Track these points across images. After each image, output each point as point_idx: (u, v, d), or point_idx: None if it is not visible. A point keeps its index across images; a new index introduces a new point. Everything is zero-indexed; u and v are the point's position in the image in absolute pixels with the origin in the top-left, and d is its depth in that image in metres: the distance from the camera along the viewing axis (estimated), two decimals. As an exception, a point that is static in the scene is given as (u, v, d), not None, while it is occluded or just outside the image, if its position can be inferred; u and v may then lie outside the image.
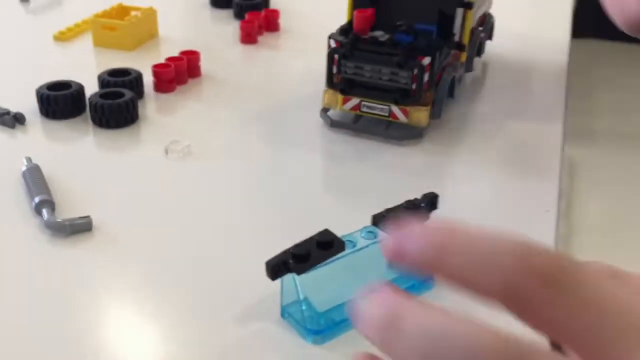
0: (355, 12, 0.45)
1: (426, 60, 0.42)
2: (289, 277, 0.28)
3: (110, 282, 0.32)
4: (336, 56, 0.44)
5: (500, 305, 0.16)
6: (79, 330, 0.28)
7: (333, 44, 0.44)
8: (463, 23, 0.47)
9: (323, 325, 0.28)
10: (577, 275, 0.17)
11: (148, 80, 0.50)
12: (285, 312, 0.29)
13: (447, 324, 0.16)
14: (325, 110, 0.47)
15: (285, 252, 0.28)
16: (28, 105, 0.47)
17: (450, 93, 0.47)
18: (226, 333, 0.29)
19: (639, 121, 1.58)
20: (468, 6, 0.46)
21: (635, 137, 1.51)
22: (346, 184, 0.39)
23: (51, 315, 0.29)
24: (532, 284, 0.16)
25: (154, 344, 0.27)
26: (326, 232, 0.29)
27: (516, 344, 0.16)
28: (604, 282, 0.17)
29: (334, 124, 0.46)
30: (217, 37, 0.62)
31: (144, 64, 0.51)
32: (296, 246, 0.28)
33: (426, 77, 0.43)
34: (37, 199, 0.35)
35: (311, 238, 0.29)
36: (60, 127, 0.45)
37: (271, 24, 0.63)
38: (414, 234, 0.17)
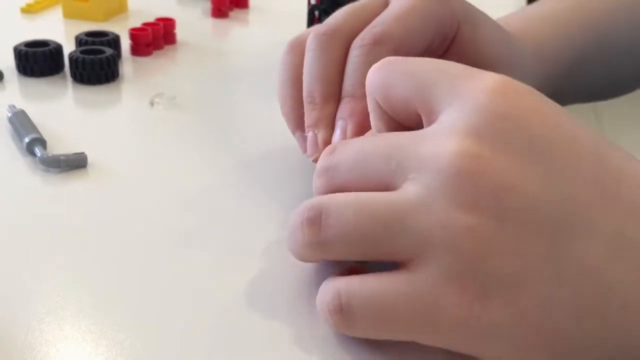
0: (334, -30, 0.46)
1: (404, 14, 0.44)
2: None
3: (107, 215, 0.31)
4: (316, 12, 0.46)
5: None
6: (78, 261, 0.28)
7: (313, 1, 0.46)
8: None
9: None
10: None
11: (125, 45, 0.50)
12: None
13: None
14: (304, 68, 0.48)
15: None
16: (4, 62, 0.46)
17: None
18: (220, 262, 0.29)
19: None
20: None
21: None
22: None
23: (54, 245, 0.29)
24: None
25: (148, 279, 0.28)
26: None
27: None
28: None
29: (314, 80, 0.47)
30: (188, 12, 0.63)
31: (116, 31, 0.51)
32: None
33: (404, 31, 0.45)
34: (27, 139, 0.35)
35: None
36: (40, 84, 0.45)
37: (241, 1, 0.64)
38: None
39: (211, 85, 0.47)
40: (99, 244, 0.29)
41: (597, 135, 0.22)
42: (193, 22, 0.60)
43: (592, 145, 0.21)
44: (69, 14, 0.58)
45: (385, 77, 0.25)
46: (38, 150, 0.34)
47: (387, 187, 0.22)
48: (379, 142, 0.23)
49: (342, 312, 0.22)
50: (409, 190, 0.21)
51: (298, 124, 0.33)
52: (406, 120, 0.25)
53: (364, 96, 0.26)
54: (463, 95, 0.22)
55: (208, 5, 0.63)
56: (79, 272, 0.27)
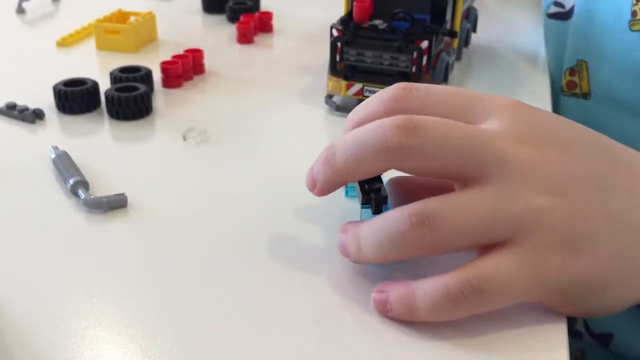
0: (354, 3, 0.48)
1: (424, 44, 0.46)
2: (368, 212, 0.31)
3: (148, 254, 0.33)
4: (339, 44, 0.47)
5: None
6: (124, 301, 0.30)
7: (335, 33, 0.47)
8: (454, 11, 0.50)
9: None
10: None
11: (155, 77, 0.53)
12: None
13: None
14: (329, 96, 0.50)
15: (366, 191, 0.31)
16: (44, 101, 0.49)
17: (445, 77, 0.51)
18: (263, 296, 0.31)
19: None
20: (458, -5, 0.49)
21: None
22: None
23: (99, 285, 0.31)
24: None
25: (192, 317, 0.29)
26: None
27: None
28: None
29: (339, 109, 0.49)
30: (214, 38, 0.65)
31: (148, 64, 0.53)
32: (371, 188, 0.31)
33: (424, 60, 0.46)
34: (71, 181, 0.37)
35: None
36: (78, 121, 0.47)
37: (265, 25, 0.66)
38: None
39: (241, 115, 0.49)
40: (143, 282, 0.31)
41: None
42: (220, 50, 0.62)
43: (599, 135, 0.30)
44: (102, 46, 0.60)
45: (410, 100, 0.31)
46: (82, 193, 0.37)
47: (465, 176, 0.28)
48: (458, 135, 0.28)
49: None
50: (493, 186, 0.27)
51: None
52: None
53: None
54: (500, 111, 0.30)
55: (233, 30, 0.65)
56: (123, 312, 0.29)
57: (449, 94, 0.31)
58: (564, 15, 0.55)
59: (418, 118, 0.28)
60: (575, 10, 0.51)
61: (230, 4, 0.70)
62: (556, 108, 0.55)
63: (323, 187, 0.31)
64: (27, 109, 0.46)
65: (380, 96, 0.31)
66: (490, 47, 0.63)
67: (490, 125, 0.29)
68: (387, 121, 0.28)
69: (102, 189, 0.38)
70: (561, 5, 0.56)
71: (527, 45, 0.64)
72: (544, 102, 0.52)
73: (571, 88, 0.53)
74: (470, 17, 0.59)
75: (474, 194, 0.28)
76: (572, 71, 0.52)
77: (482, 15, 0.63)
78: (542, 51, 0.62)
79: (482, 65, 0.60)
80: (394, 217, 0.28)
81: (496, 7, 0.75)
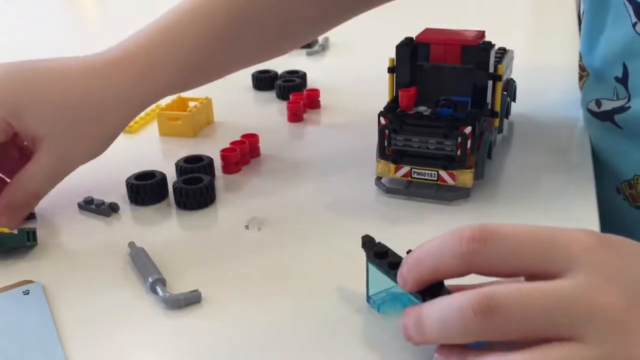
0: (400, 92, 0.51)
1: (468, 130, 0.49)
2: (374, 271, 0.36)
3: (222, 349, 0.37)
4: (387, 131, 0.51)
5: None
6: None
7: (383, 121, 0.51)
8: (494, 93, 0.53)
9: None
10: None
11: (216, 162, 0.57)
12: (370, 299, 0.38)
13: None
14: (379, 178, 0.53)
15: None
16: (117, 193, 0.53)
17: (489, 155, 0.53)
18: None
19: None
20: (497, 78, 0.52)
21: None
22: (405, 242, 0.44)
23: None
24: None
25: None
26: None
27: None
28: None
29: (389, 191, 0.52)
30: (265, 117, 0.69)
31: (206, 148, 0.58)
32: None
33: (469, 144, 0.49)
34: (150, 279, 0.41)
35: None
36: (148, 212, 0.51)
37: (313, 102, 0.70)
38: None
39: (294, 201, 0.52)
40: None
41: None
42: (273, 130, 0.66)
43: None
44: (164, 132, 0.65)
45: (488, 253, 0.30)
46: (160, 290, 0.40)
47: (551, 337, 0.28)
48: (540, 301, 0.28)
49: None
50: (593, 343, 0.27)
51: None
52: (503, 277, 0.31)
53: None
54: (577, 258, 0.29)
55: (283, 107, 0.69)
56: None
57: (526, 242, 0.30)
58: (602, 116, 0.57)
59: (497, 297, 0.28)
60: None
61: (279, 82, 0.74)
62: (622, 219, 0.57)
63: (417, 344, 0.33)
64: (103, 203, 0.51)
65: (453, 249, 0.31)
66: (528, 113, 0.66)
67: (575, 278, 0.29)
68: (464, 302, 0.29)
69: (175, 282, 0.42)
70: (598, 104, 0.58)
71: (563, 111, 0.66)
72: (585, 166, 0.54)
73: (635, 200, 0.55)
74: (510, 89, 0.62)
75: (571, 354, 0.28)
76: (629, 184, 0.55)
77: (516, 79, 0.65)
78: (579, 116, 0.64)
79: (523, 134, 0.62)
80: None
81: (528, 72, 0.77)
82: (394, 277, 0.35)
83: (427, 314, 0.31)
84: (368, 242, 0.38)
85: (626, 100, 0.54)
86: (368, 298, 0.39)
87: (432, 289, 0.33)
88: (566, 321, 0.28)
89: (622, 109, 0.54)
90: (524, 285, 0.29)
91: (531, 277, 0.30)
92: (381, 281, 0.37)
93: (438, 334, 0.30)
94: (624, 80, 0.54)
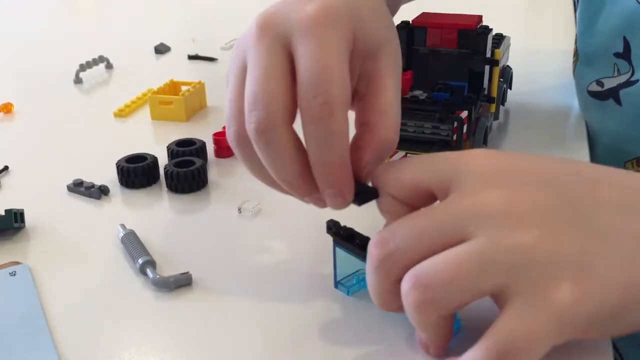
0: (396, 76, 0.50)
1: (464, 114, 0.48)
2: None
3: (213, 330, 0.36)
4: (382, 116, 0.50)
5: None
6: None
7: (379, 106, 0.50)
8: (490, 78, 0.53)
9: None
10: None
11: (208, 146, 0.56)
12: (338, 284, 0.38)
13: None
14: (373, 163, 0.52)
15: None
16: (107, 176, 0.52)
17: (484, 140, 0.53)
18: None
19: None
20: (494, 63, 0.52)
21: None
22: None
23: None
24: None
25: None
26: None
27: None
28: None
29: (383, 176, 0.51)
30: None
31: (198, 132, 0.57)
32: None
33: (465, 129, 0.48)
34: (140, 260, 0.40)
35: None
36: (139, 195, 0.51)
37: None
38: None
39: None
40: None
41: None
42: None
43: (572, 162, 0.32)
44: (156, 116, 0.64)
45: (394, 173, 0.33)
46: (150, 272, 0.40)
47: (450, 243, 0.29)
48: (428, 219, 0.30)
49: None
50: (475, 239, 0.28)
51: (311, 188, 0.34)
52: (417, 202, 0.32)
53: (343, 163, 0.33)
54: (464, 169, 0.31)
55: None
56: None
57: (421, 160, 0.33)
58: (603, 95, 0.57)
59: (395, 233, 0.30)
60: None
61: (273, 67, 0.73)
62: None
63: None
64: (93, 186, 0.50)
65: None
66: (524, 101, 0.65)
67: (460, 189, 0.30)
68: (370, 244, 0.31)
69: (166, 264, 0.41)
70: (600, 84, 0.57)
71: (560, 99, 0.66)
72: (581, 154, 0.54)
73: None
74: (506, 76, 0.61)
75: (458, 250, 0.28)
76: (638, 162, 0.54)
77: (512, 66, 0.65)
78: (574, 103, 0.63)
79: (519, 122, 0.62)
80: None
81: (525, 59, 0.76)
82: (364, 258, 0.34)
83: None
84: (333, 227, 0.37)
85: (630, 74, 0.53)
86: (336, 284, 0.38)
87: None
88: (453, 228, 0.29)
89: (628, 83, 0.54)
90: (413, 214, 0.31)
91: (430, 197, 0.32)
92: (349, 265, 0.37)
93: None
94: (625, 54, 0.53)
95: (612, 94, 0.55)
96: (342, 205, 0.34)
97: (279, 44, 0.33)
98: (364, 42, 0.34)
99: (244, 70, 0.34)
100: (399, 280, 0.30)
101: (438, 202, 0.32)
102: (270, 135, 0.32)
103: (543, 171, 0.31)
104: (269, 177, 0.35)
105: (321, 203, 0.35)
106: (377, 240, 0.31)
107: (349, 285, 0.38)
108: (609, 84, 0.56)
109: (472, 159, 0.31)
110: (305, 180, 0.33)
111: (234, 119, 0.35)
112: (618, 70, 0.55)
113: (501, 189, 0.29)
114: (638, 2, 0.51)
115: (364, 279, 0.36)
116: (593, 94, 0.58)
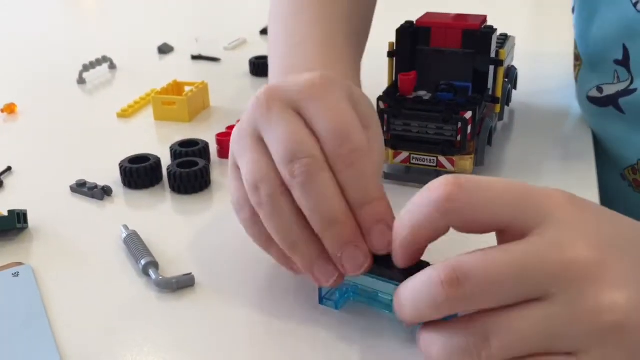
0: (400, 76, 0.50)
1: (468, 115, 0.48)
2: None
3: (214, 331, 0.36)
4: (385, 116, 0.50)
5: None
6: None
7: (382, 105, 0.50)
8: (495, 78, 0.52)
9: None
10: None
11: (211, 147, 0.56)
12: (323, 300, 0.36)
13: None
14: (377, 164, 0.52)
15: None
16: (110, 177, 0.52)
17: (489, 141, 0.52)
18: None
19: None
20: (499, 63, 0.51)
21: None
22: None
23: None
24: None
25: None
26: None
27: None
28: None
29: (387, 176, 0.51)
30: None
31: (201, 132, 0.57)
32: None
33: (469, 130, 0.48)
34: (143, 261, 0.40)
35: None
36: (142, 196, 0.50)
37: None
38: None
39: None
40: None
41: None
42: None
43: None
44: (159, 117, 0.64)
45: (463, 200, 0.29)
46: (152, 273, 0.39)
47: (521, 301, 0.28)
48: (508, 265, 0.28)
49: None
50: (557, 297, 0.27)
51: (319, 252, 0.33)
52: (477, 231, 0.30)
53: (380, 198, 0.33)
54: (549, 213, 0.29)
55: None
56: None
57: (501, 192, 0.30)
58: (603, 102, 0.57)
59: (463, 266, 0.28)
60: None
61: (276, 68, 0.73)
62: (628, 205, 0.57)
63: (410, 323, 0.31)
64: (96, 186, 0.50)
65: (430, 197, 0.30)
66: (529, 101, 0.65)
67: (544, 235, 0.28)
68: (433, 277, 0.28)
69: (169, 265, 0.41)
70: (600, 90, 0.57)
71: (565, 100, 0.65)
72: (586, 155, 0.54)
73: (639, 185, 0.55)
74: (511, 76, 0.61)
75: (535, 316, 0.27)
76: (633, 169, 0.54)
77: (517, 66, 0.64)
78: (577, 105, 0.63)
79: (524, 122, 0.61)
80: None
81: (530, 60, 0.76)
82: (383, 277, 0.33)
83: (402, 294, 0.30)
84: None
85: (629, 82, 0.53)
86: (321, 299, 0.37)
87: (411, 269, 0.32)
88: (534, 282, 0.27)
89: (626, 92, 0.53)
90: (489, 250, 0.28)
91: (503, 232, 0.30)
92: None
93: (412, 313, 0.29)
94: (624, 62, 0.53)
95: (612, 102, 0.55)
96: (385, 246, 0.33)
97: (290, 108, 0.34)
98: (357, 109, 0.36)
99: (259, 141, 0.35)
100: None
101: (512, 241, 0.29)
102: (321, 177, 0.32)
103: (627, 235, 0.30)
104: (280, 250, 0.35)
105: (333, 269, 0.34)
106: (448, 276, 0.28)
107: (334, 299, 0.36)
108: (608, 90, 0.55)
109: (556, 203, 0.29)
110: (351, 220, 0.33)
111: (244, 200, 0.36)
112: (618, 77, 0.54)
113: (589, 249, 0.28)
114: (637, 10, 0.51)
115: (347, 292, 0.36)
116: (592, 100, 0.57)
